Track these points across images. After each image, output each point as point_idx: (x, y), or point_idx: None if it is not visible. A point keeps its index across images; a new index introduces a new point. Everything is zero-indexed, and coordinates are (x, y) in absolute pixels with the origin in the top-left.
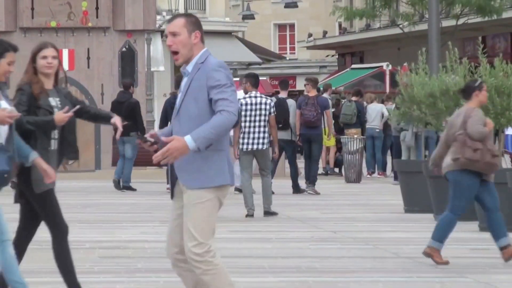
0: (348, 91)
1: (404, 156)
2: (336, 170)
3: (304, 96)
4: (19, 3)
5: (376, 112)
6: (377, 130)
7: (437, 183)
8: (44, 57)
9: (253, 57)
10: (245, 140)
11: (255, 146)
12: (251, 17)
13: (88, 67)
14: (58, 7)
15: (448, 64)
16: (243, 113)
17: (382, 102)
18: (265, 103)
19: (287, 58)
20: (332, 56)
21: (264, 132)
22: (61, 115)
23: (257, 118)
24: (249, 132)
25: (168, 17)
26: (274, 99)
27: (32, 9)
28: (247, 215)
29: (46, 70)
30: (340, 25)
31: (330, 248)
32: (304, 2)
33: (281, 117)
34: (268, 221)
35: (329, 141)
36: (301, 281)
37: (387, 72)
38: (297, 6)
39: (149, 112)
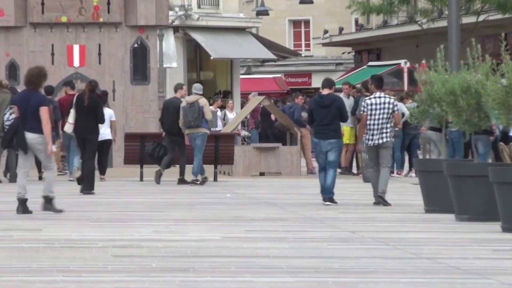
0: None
1: (421, 155)
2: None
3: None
4: None
5: None
6: (396, 128)
7: (458, 183)
8: None
9: (268, 54)
10: (370, 137)
11: (378, 141)
12: (265, 13)
13: (99, 63)
14: (69, 2)
15: (470, 61)
16: (369, 112)
17: (401, 100)
18: (388, 103)
19: (302, 55)
20: (349, 53)
21: (386, 128)
22: None
23: (381, 116)
24: (373, 129)
25: (181, 13)
26: None
27: (43, 4)
28: (374, 203)
29: None
30: (356, 22)
31: (348, 248)
32: None
33: None
34: (286, 221)
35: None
36: (319, 282)
37: (405, 70)
38: (312, 2)
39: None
